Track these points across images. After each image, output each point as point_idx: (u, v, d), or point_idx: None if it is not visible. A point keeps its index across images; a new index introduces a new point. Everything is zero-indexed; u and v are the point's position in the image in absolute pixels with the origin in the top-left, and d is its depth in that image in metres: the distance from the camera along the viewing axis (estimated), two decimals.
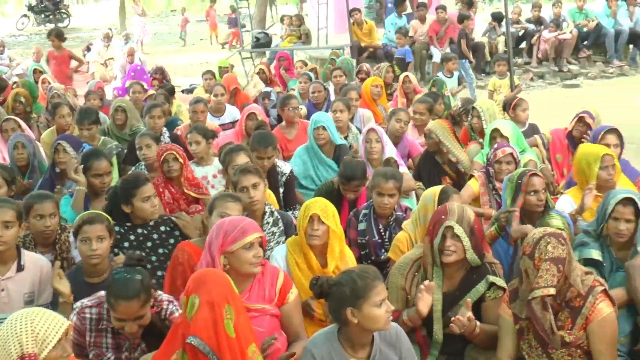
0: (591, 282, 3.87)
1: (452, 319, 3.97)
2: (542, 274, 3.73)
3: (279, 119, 8.98)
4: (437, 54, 14.91)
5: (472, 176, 6.33)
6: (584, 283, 3.86)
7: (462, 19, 15.43)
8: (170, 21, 39.71)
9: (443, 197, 4.92)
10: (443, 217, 4.20)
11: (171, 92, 10.59)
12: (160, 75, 13.07)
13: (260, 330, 3.90)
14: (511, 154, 6.02)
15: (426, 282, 4.07)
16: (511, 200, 5.15)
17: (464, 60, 14.16)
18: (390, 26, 16.35)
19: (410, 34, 15.94)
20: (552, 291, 3.72)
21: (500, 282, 4.20)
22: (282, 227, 5.22)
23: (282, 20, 20.76)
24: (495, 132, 6.85)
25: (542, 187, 5.13)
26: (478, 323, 4.03)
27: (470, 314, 3.94)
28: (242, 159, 5.87)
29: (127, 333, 3.83)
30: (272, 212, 5.23)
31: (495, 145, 6.17)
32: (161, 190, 6.18)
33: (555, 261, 3.73)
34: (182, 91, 14.39)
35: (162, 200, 6.08)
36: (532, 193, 5.09)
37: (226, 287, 3.48)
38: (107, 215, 4.66)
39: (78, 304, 3.99)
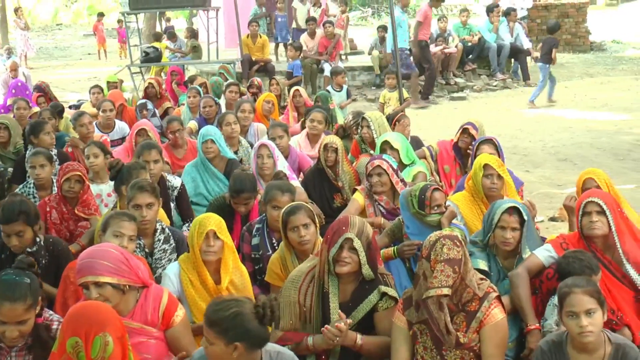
0: (486, 289, 3.99)
1: (322, 329, 3.99)
2: (437, 275, 3.80)
3: (161, 130, 8.94)
4: (328, 68, 15.08)
5: (355, 189, 6.39)
6: (480, 287, 3.97)
7: None
8: (56, 35, 38.62)
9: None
10: (344, 228, 4.21)
11: (60, 112, 10.22)
12: (43, 92, 12.66)
13: (148, 357, 3.82)
14: (379, 165, 6.04)
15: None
16: (416, 213, 5.22)
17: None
18: None
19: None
20: (447, 291, 3.81)
21: (392, 292, 4.24)
22: (173, 244, 5.14)
23: (156, 36, 20.50)
24: (385, 144, 6.96)
25: (444, 200, 5.25)
26: (359, 335, 4.07)
27: (341, 323, 3.96)
28: (142, 176, 5.75)
29: (7, 338, 3.68)
30: (163, 229, 5.15)
31: (370, 160, 6.20)
32: (48, 210, 6.00)
33: (450, 262, 3.82)
34: (70, 107, 14.00)
35: (48, 221, 5.92)
36: (436, 207, 5.20)
37: (118, 317, 3.43)
38: None
39: None
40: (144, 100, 10.46)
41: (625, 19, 26.95)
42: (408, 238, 5.28)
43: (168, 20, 28.04)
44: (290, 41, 17.62)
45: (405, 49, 14.83)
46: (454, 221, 5.31)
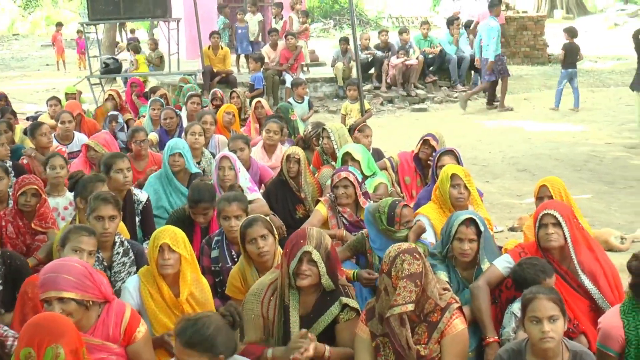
0: (448, 299, 4.03)
1: (292, 345, 3.99)
2: (400, 292, 3.84)
3: (125, 145, 8.88)
4: (290, 80, 15.09)
5: (318, 201, 6.40)
6: (442, 298, 4.01)
7: None
8: (13, 45, 38.14)
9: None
10: (302, 241, 4.22)
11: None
12: (4, 101, 12.51)
13: None
14: (346, 177, 6.06)
15: (302, 331, 4.05)
16: (385, 230, 5.24)
17: None
18: None
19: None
20: (410, 307, 3.85)
21: (353, 303, 4.26)
22: (132, 257, 5.11)
23: (129, 46, 20.39)
24: (347, 155, 6.99)
25: (413, 216, 5.29)
26: (327, 347, 4.09)
27: (309, 337, 3.97)
28: (101, 189, 5.70)
29: None
30: (122, 242, 5.12)
31: (335, 171, 6.22)
32: (3, 224, 5.92)
33: (411, 277, 3.86)
34: (27, 118, 13.84)
35: (3, 235, 5.83)
36: (406, 223, 5.23)
37: (76, 330, 3.39)
38: None
39: None
40: (115, 113, 10.37)
41: (581, 33, 27.38)
42: (372, 253, 5.29)
43: (132, 31, 27.84)
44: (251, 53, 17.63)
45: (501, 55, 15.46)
46: (422, 237, 5.35)
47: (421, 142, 7.54)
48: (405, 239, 5.15)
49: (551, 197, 5.39)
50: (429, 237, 5.51)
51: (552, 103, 15.58)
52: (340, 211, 6.06)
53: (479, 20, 17.38)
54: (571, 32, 15.51)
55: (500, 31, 15.69)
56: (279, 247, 4.88)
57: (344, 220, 6.05)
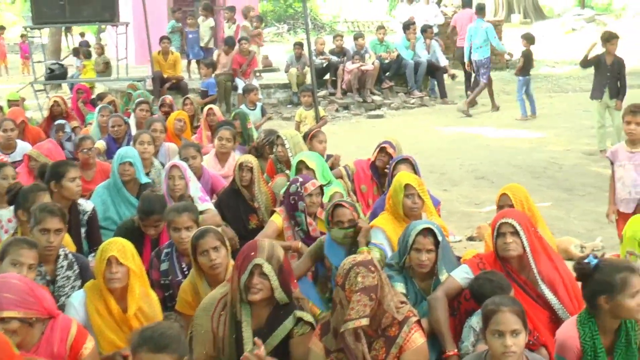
0: (406, 313, 4.02)
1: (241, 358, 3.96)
2: (354, 306, 3.81)
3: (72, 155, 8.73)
4: (242, 86, 15.01)
5: (274, 211, 6.36)
6: (399, 311, 4.00)
7: None
8: None
9: None
10: (252, 253, 4.18)
11: None
12: None
13: None
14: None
15: (257, 340, 4.01)
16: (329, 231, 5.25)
17: None
18: None
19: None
20: (365, 322, 3.82)
21: (308, 317, 4.24)
22: (77, 271, 5.03)
23: (75, 51, 20.14)
24: (301, 164, 6.96)
25: (349, 217, 5.23)
26: None
27: (259, 350, 3.93)
28: (43, 200, 5.59)
29: None
30: (66, 255, 5.03)
31: (300, 179, 6.19)
32: None
33: (366, 291, 3.84)
34: None
35: None
36: (339, 223, 5.21)
37: (6, 351, 3.31)
38: None
39: None
40: (62, 122, 10.20)
41: (539, 37, 27.77)
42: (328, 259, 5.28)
43: (82, 35, 27.50)
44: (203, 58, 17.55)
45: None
46: (374, 240, 5.34)
47: (378, 149, 7.56)
48: (344, 240, 5.15)
49: (512, 206, 5.42)
50: (386, 251, 5.50)
51: (511, 109, 15.75)
52: (298, 222, 6.02)
53: (455, 24, 17.89)
54: (529, 39, 15.71)
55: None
56: (232, 259, 4.84)
57: (301, 233, 6.02)
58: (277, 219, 6.13)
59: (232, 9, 18.59)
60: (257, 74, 17.35)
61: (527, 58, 15.39)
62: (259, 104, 12.27)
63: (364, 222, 5.32)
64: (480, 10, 17.09)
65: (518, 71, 15.49)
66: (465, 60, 16.53)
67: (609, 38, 11.55)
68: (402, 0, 21.16)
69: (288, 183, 6.88)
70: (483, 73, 16.09)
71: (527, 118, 15.25)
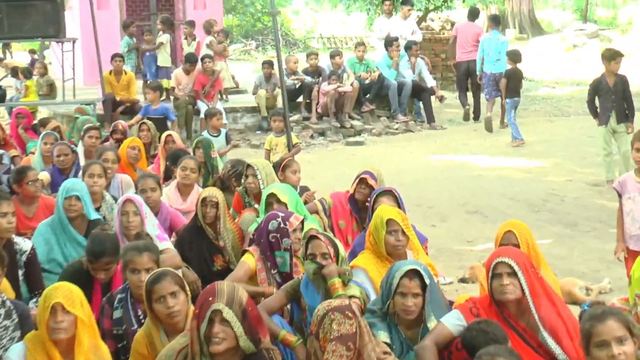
0: None
1: None
2: (329, 356, 3.81)
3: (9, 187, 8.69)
4: (204, 109, 14.94)
5: (246, 251, 6.34)
6: None
7: None
8: None
9: None
10: (210, 298, 4.16)
11: None
12: None
13: None
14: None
15: None
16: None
17: None
18: None
19: (173, 84, 16.12)
20: None
21: None
22: (16, 320, 4.99)
23: (14, 71, 20.07)
24: (271, 197, 6.96)
25: (322, 251, 5.24)
26: None
27: None
28: None
29: None
30: (3, 302, 4.99)
31: (280, 214, 6.17)
32: None
33: (342, 340, 3.83)
34: None
35: None
36: (310, 257, 5.22)
37: None
38: None
39: None
40: (0, 151, 10.14)
41: (537, 55, 28.16)
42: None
43: (33, 52, 27.39)
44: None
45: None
46: (355, 278, 5.34)
47: (357, 180, 7.58)
48: (314, 277, 5.16)
49: (517, 246, 5.41)
50: (368, 291, 5.50)
51: (506, 135, 15.85)
52: (289, 263, 5.99)
53: (456, 33, 18.38)
54: (514, 57, 15.94)
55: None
56: (193, 306, 4.82)
57: (277, 277, 6.01)
58: (250, 260, 6.11)
59: (191, 24, 18.53)
60: (223, 96, 17.35)
61: (513, 78, 15.58)
62: (223, 130, 12.28)
63: (331, 264, 5.29)
64: (496, 21, 18.06)
65: (504, 93, 15.79)
66: (478, 72, 17.08)
67: (614, 56, 11.66)
68: (380, 14, 21.29)
69: (257, 219, 6.92)
70: (495, 88, 16.45)
71: (522, 142, 15.40)
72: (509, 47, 16.82)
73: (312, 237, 5.30)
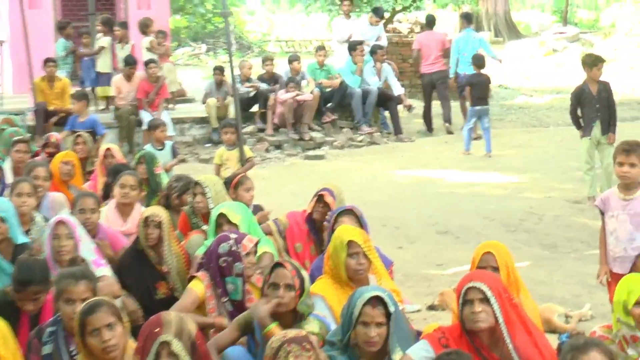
0: None
1: None
2: None
3: None
4: (148, 120, 14.83)
5: (194, 277, 6.29)
6: None
7: None
8: None
9: None
10: (157, 330, 4.15)
11: None
12: None
13: None
14: (256, 243, 6.10)
15: None
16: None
17: None
18: None
19: (114, 93, 16.02)
20: None
21: None
22: None
23: None
24: (222, 217, 6.93)
25: (287, 282, 5.23)
26: None
27: None
28: None
29: None
30: None
31: (233, 235, 6.14)
32: None
33: None
34: None
35: None
36: (271, 287, 5.20)
37: None
38: None
39: None
40: None
41: (513, 60, 28.38)
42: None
43: None
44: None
45: None
46: (315, 311, 5.33)
47: (315, 198, 7.58)
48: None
49: (496, 269, 5.43)
50: (328, 323, 5.49)
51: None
52: (242, 290, 5.97)
53: (420, 47, 18.58)
54: (478, 62, 16.15)
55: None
56: (134, 338, 4.78)
57: (228, 305, 5.98)
58: (198, 287, 6.08)
59: (123, 25, 18.19)
60: (170, 104, 17.26)
61: (477, 84, 15.79)
62: (169, 143, 12.23)
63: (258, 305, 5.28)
64: (468, 19, 18.65)
65: (469, 100, 16.08)
66: (451, 75, 17.52)
67: (595, 62, 11.78)
68: (338, 14, 21.30)
69: (206, 242, 6.89)
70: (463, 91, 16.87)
71: (468, 153, 15.66)
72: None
73: (278, 265, 5.26)
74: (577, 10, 43.34)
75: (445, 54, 18.13)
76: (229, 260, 5.97)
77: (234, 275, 5.97)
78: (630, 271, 6.52)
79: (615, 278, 6.68)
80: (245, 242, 6.02)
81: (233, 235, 6.11)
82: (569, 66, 26.22)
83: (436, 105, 18.51)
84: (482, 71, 16.01)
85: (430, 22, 19.22)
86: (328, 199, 7.46)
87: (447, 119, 18.18)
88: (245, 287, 5.99)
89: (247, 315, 5.44)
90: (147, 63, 16.28)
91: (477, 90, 15.74)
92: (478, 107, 15.73)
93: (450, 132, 18.07)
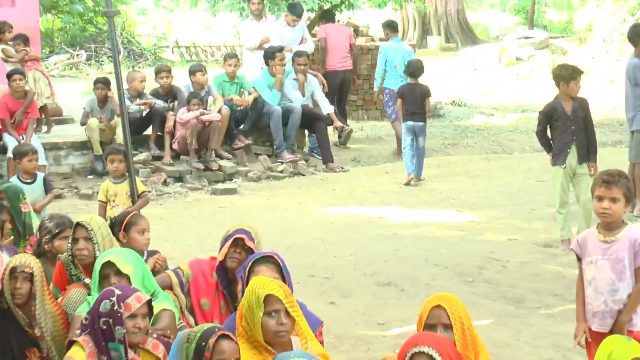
0: None
1: None
2: None
3: None
4: (13, 146, 14.74)
5: (74, 342, 6.27)
6: None
7: None
8: None
9: None
10: None
11: None
12: None
13: None
14: (149, 302, 6.09)
15: None
16: None
17: None
18: None
19: None
20: None
21: None
22: None
23: None
24: (109, 267, 6.89)
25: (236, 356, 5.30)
26: None
27: None
28: None
29: None
30: None
31: (116, 291, 6.11)
32: None
33: None
34: None
35: None
36: None
37: None
38: None
39: None
40: None
41: (468, 71, 28.80)
42: None
43: None
44: None
45: None
46: None
47: (229, 243, 7.59)
48: None
49: (448, 327, 5.47)
50: None
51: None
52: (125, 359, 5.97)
53: (326, 36, 19.25)
54: (412, 68, 16.51)
55: None
56: None
57: None
58: (78, 354, 6.05)
59: None
60: (44, 126, 17.14)
61: (410, 96, 16.09)
62: (40, 175, 12.14)
63: None
64: (393, 27, 19.25)
65: (400, 115, 16.49)
66: (376, 88, 18.33)
67: (573, 75, 11.66)
68: (248, 16, 21.20)
69: (89, 298, 6.87)
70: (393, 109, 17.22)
71: (412, 178, 15.94)
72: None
73: (224, 337, 5.28)
74: (545, 11, 44.03)
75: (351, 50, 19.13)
76: (110, 322, 5.96)
77: (116, 341, 5.95)
78: (612, 329, 6.60)
79: (595, 338, 6.64)
80: (130, 301, 5.97)
81: (117, 291, 6.06)
82: (536, 79, 26.67)
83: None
84: (419, 80, 16.29)
85: (328, 16, 19.84)
86: (247, 242, 7.44)
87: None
88: (129, 355, 5.97)
89: None
90: (10, 75, 16.10)
91: (410, 103, 15.95)
92: (411, 123, 15.97)
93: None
